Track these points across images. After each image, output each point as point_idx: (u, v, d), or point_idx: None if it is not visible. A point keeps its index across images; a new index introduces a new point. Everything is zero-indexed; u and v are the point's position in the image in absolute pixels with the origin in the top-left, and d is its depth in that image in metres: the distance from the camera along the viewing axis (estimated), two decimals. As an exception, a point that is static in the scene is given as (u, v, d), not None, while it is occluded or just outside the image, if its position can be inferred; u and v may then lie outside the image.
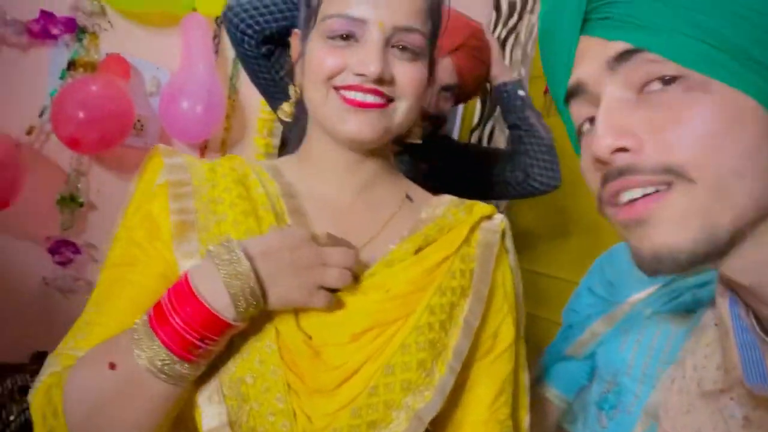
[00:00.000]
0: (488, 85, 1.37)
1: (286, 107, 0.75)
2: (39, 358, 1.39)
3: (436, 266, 0.69)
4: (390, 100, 0.67)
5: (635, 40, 0.44)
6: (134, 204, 0.68)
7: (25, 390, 1.36)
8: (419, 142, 0.87)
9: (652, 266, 0.46)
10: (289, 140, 0.84)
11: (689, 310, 0.77)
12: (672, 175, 0.43)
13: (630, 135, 0.44)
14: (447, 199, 0.79)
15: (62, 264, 1.45)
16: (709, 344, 0.59)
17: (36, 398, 0.59)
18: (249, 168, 0.72)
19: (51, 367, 0.60)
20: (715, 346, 0.56)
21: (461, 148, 1.52)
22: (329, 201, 0.72)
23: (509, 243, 0.78)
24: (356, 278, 0.65)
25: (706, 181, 0.42)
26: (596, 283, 1.29)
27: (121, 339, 0.56)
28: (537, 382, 1.20)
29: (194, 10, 1.56)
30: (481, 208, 0.77)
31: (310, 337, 0.62)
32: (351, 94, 0.65)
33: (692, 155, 0.42)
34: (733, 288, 0.52)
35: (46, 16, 1.33)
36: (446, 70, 1.22)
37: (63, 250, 1.44)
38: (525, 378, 0.79)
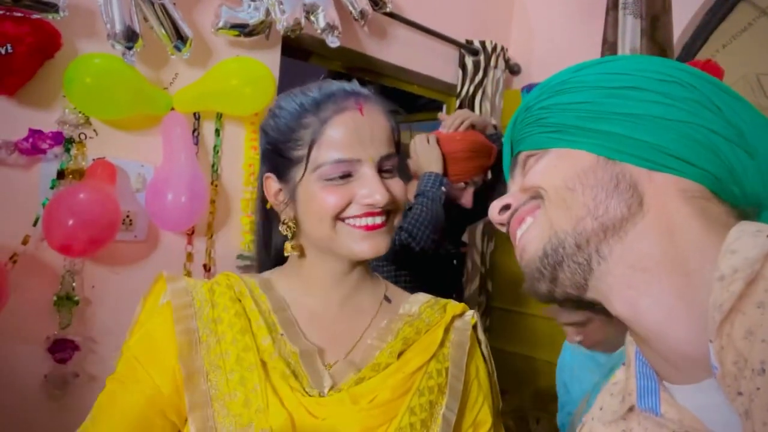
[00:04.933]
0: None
1: (289, 246, 0.82)
2: (45, 456, 1.45)
3: (416, 371, 0.78)
4: (388, 214, 0.78)
5: (516, 148, 0.64)
6: (139, 323, 0.78)
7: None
8: None
9: (527, 288, 0.58)
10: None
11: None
12: (537, 200, 0.58)
13: (511, 197, 0.62)
14: (422, 297, 0.89)
15: (63, 361, 1.52)
16: (616, 383, 0.64)
17: None
18: (244, 285, 0.81)
19: None
20: (622, 384, 0.62)
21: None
22: (316, 313, 0.81)
23: (480, 334, 0.88)
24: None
25: (549, 195, 0.56)
26: (560, 383, 1.47)
27: None
28: None
29: (172, 109, 1.69)
30: (453, 307, 0.87)
31: None
32: (362, 221, 0.75)
33: (539, 181, 0.57)
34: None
35: (35, 133, 1.45)
36: None
37: (63, 347, 1.51)
38: None
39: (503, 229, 0.63)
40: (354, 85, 0.80)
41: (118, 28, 1.47)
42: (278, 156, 0.79)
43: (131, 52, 1.51)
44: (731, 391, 0.44)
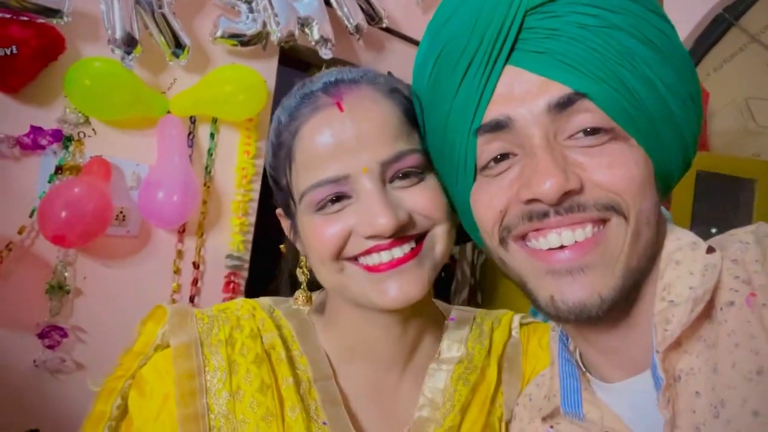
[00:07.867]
0: None
1: (301, 296, 0.65)
2: (29, 436, 1.53)
3: None
4: (421, 237, 0.57)
5: (577, 84, 0.44)
6: (133, 353, 0.61)
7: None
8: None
9: (573, 313, 0.47)
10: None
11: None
12: (611, 212, 0.45)
13: (573, 176, 0.45)
14: (463, 331, 0.69)
15: (51, 347, 1.59)
16: (543, 375, 0.65)
17: None
18: (276, 335, 0.62)
19: None
20: (548, 379, 0.62)
21: None
22: (370, 381, 0.63)
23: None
24: None
25: (632, 221, 0.46)
26: None
27: None
28: None
29: (169, 112, 1.77)
30: (500, 332, 0.69)
31: None
32: (374, 259, 0.55)
33: (627, 193, 0.45)
34: (565, 328, 0.59)
35: (36, 130, 1.54)
36: None
37: (52, 334, 1.59)
38: None
39: (522, 208, 0.48)
40: (339, 73, 0.59)
41: (119, 34, 1.56)
42: (276, 185, 0.63)
43: (130, 57, 1.60)
44: (663, 400, 0.46)
